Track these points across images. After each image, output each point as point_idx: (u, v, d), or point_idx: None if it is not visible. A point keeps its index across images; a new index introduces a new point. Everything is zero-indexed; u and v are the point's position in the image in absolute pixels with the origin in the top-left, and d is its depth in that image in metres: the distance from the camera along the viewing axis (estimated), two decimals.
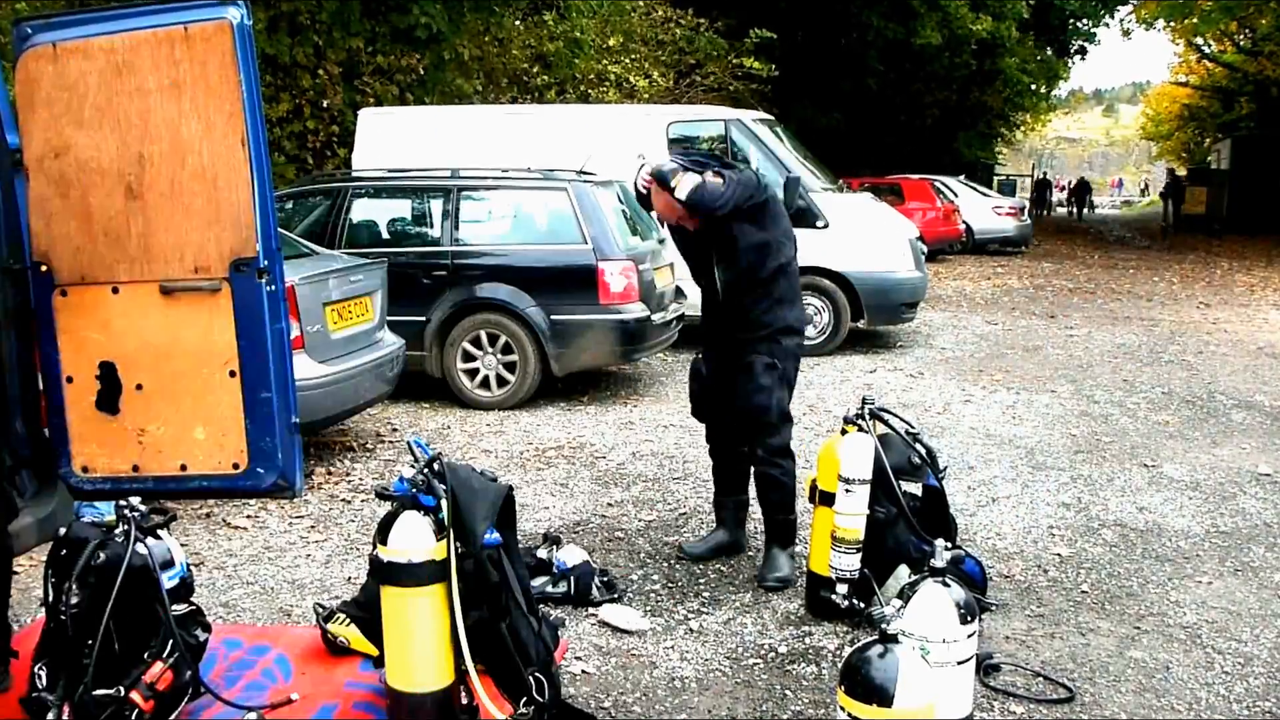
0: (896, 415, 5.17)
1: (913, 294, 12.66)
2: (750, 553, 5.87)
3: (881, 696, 3.21)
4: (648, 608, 5.20)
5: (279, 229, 5.40)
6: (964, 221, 26.21)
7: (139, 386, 4.07)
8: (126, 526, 3.59)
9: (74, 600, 3.50)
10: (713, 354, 5.68)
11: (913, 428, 5.20)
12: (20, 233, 4.13)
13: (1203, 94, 55.48)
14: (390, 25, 15.70)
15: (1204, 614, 5.17)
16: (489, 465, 7.29)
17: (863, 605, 4.83)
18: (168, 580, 3.63)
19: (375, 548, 3.72)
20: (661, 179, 5.25)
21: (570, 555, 5.35)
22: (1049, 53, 42.97)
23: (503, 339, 9.45)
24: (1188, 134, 65.09)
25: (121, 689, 3.46)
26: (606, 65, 21.96)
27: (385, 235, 10.18)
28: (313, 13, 14.63)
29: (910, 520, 4.93)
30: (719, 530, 5.96)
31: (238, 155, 3.86)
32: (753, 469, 5.65)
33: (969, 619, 3.62)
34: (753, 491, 5.72)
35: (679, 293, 10.86)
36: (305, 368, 6.85)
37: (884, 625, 3.29)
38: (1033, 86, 44.47)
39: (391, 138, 12.61)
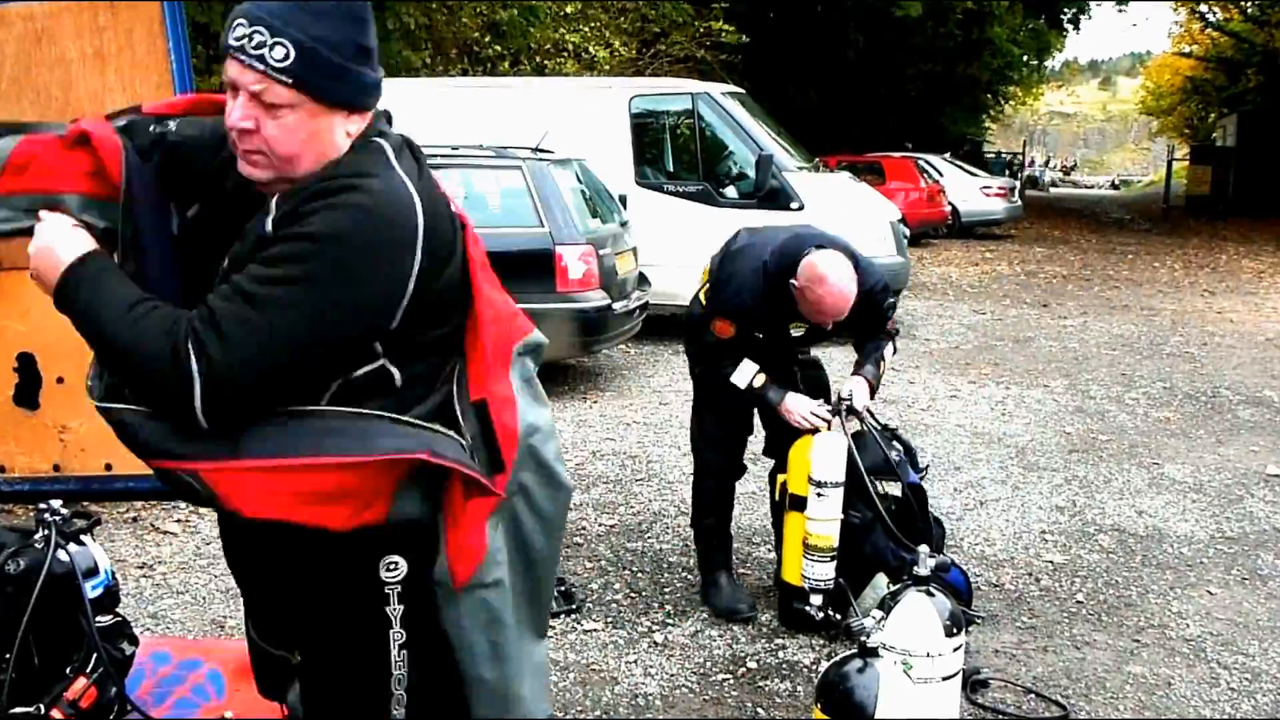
0: (869, 412, 5.12)
1: (894, 281, 12.69)
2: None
3: (860, 714, 3.25)
4: (609, 619, 5.22)
5: None
6: (950, 203, 26.33)
7: (60, 380, 4.07)
8: (47, 531, 3.58)
9: None
10: None
11: (889, 428, 5.21)
12: None
13: (1207, 66, 55.78)
14: None
15: (1208, 626, 5.22)
16: None
17: (839, 617, 4.85)
18: (91, 589, 3.63)
19: None
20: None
21: None
22: (1040, 21, 43.15)
23: None
24: (1190, 109, 65.50)
25: (41, 707, 3.46)
26: (564, 34, 21.89)
27: None
28: None
29: (888, 525, 4.88)
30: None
31: None
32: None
33: (955, 631, 3.63)
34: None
35: (642, 279, 10.88)
36: None
37: (864, 638, 3.32)
38: (1023, 58, 44.78)
39: None
